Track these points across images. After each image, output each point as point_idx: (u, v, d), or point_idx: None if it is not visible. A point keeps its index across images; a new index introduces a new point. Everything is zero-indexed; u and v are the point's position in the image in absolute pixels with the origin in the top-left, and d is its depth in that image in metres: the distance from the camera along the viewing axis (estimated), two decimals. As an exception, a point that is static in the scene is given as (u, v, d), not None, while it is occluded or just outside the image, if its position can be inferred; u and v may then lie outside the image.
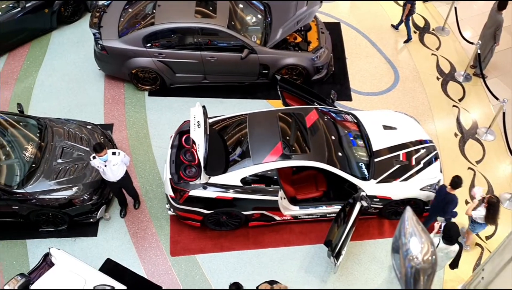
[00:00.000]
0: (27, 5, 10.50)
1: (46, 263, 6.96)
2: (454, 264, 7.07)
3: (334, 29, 11.42)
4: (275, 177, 7.59)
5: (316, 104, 8.75)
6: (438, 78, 10.73)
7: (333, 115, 8.51)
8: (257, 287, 6.46)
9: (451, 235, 6.51)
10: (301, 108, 8.44)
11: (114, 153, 7.44)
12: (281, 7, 9.99)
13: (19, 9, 10.44)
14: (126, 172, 7.76)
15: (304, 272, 7.84)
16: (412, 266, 1.73)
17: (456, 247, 6.68)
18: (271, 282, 6.48)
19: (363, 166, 7.92)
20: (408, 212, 1.72)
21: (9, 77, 10.44)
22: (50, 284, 6.53)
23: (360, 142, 8.23)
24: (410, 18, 11.15)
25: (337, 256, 7.16)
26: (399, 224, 1.67)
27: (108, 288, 6.51)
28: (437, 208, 7.58)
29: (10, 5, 10.39)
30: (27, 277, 6.62)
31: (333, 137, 8.02)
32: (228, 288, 6.22)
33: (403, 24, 11.33)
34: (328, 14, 11.88)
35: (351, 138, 8.26)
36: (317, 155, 7.57)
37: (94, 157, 7.36)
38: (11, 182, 7.57)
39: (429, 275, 1.71)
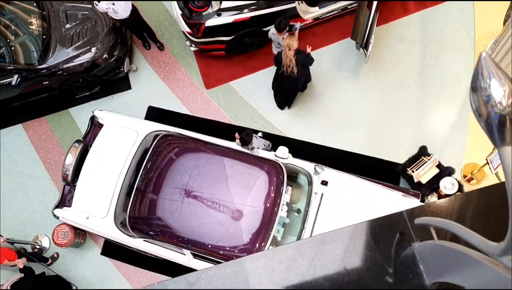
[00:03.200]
0: None
1: (95, 125, 7.25)
2: None
3: None
4: (288, -18, 7.17)
5: None
6: None
7: None
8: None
9: None
10: None
11: None
12: None
13: None
14: (133, 5, 7.52)
15: (336, 70, 7.90)
16: (496, 112, 1.66)
17: None
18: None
19: None
20: (484, 54, 1.62)
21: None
22: (106, 142, 6.83)
23: None
24: None
25: (366, 46, 7.05)
26: (476, 65, 1.59)
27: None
28: None
29: None
30: (84, 142, 7.00)
31: None
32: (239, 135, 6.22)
33: None
34: None
35: None
36: None
37: (98, 1, 7.11)
38: (31, 60, 7.55)
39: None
